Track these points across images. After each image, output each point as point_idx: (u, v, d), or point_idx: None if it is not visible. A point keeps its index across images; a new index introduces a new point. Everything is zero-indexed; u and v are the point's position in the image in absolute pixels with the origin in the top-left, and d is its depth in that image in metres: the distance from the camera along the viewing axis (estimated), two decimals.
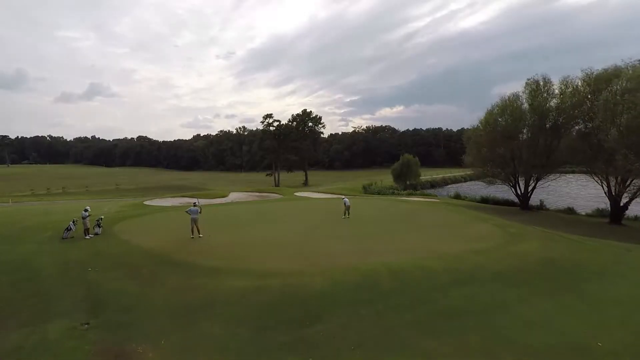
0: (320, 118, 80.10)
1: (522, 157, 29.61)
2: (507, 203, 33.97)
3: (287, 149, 72.56)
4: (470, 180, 71.80)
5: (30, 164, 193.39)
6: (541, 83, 29.56)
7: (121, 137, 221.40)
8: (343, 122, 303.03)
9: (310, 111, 79.19)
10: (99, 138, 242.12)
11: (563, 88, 28.97)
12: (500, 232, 17.72)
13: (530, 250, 14.30)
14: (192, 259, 12.48)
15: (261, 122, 72.37)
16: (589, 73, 26.12)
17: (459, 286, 10.26)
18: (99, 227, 16.55)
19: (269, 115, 70.82)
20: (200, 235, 16.06)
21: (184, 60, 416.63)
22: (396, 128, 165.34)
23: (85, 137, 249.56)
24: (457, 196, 38.32)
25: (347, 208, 21.43)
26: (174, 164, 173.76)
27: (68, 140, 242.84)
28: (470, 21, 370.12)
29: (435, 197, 37.79)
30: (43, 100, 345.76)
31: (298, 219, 21.00)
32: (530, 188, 31.00)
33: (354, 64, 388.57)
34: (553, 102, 29.22)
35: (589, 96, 25.63)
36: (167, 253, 13.29)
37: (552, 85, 29.63)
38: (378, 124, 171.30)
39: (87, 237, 15.65)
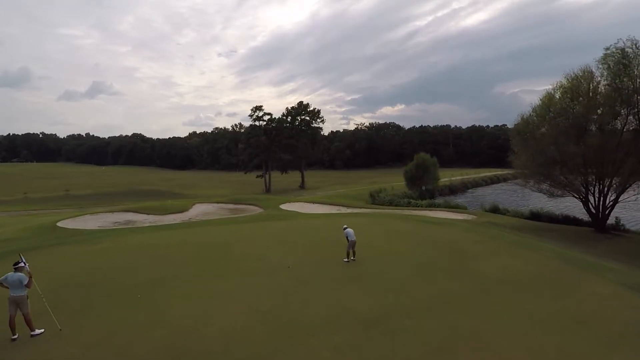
0: (318, 112, 70.12)
1: (602, 158, 20.50)
2: (569, 221, 24.90)
3: (280, 146, 62.73)
4: (492, 183, 62.84)
5: (20, 162, 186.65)
6: (630, 53, 20.47)
7: (118, 135, 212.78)
8: (344, 121, 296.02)
9: (307, 104, 69.34)
10: (92, 135, 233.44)
11: None
12: None
13: None
14: None
15: (249, 115, 62.01)
16: None
17: None
18: None
19: (259, 108, 60.70)
20: (37, 332, 7.38)
21: (185, 59, 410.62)
22: (401, 125, 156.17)
23: (79, 134, 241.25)
24: (495, 209, 29.12)
25: (352, 244, 12.74)
26: (168, 163, 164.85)
27: (61, 137, 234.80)
28: (472, 20, 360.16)
29: (466, 211, 28.67)
30: (46, 98, 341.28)
31: (270, 267, 12.20)
32: (609, 202, 22.00)
33: (355, 63, 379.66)
34: None
35: None
36: None
37: None
38: (381, 122, 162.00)
39: None
